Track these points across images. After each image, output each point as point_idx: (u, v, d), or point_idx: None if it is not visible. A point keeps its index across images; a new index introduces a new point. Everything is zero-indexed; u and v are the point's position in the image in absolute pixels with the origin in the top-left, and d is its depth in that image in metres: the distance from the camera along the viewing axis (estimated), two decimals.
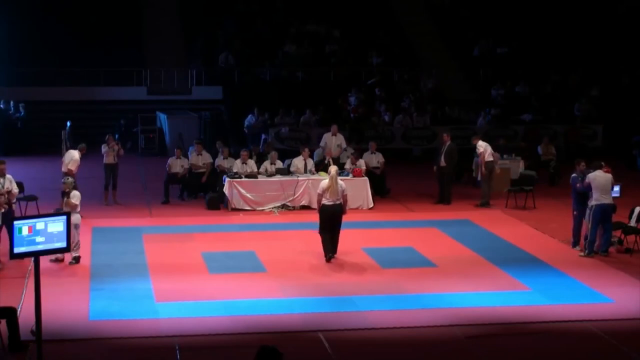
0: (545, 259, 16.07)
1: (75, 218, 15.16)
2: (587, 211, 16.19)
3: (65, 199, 15.42)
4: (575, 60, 33.94)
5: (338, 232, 15.79)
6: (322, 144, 23.08)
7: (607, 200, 16.08)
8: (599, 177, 16.05)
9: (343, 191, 15.70)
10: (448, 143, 21.35)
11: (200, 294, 13.78)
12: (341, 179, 16.26)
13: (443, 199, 21.19)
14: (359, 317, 12.82)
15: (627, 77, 33.49)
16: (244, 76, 32.47)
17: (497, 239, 17.73)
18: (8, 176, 15.98)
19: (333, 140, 22.90)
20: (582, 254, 16.26)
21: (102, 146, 21.24)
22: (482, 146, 21.46)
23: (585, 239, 16.37)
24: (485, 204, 20.98)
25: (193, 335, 12.00)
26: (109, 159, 21.03)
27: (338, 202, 15.62)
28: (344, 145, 23.04)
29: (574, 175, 16.63)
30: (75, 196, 15.48)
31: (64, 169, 19.27)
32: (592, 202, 16.03)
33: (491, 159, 21.51)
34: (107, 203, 20.82)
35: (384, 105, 30.39)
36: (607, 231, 16.27)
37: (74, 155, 19.60)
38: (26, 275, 14.49)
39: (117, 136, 25.97)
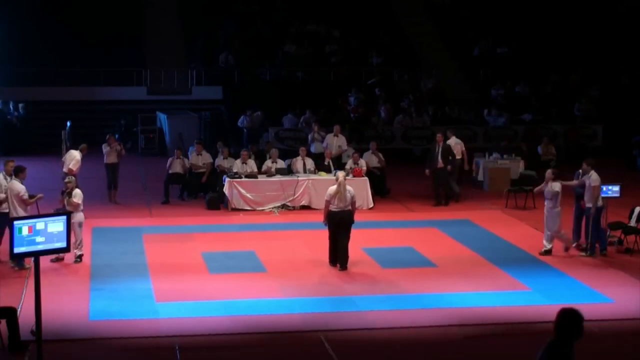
0: (545, 259, 16.07)
1: (79, 217, 15.34)
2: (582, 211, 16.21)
3: (67, 198, 15.47)
4: (575, 60, 33.95)
5: (346, 240, 15.30)
6: (324, 144, 23.13)
7: (603, 201, 16.14)
8: (598, 178, 16.06)
9: (352, 197, 15.29)
10: (441, 143, 21.25)
11: (200, 294, 13.78)
12: (349, 185, 15.75)
13: (440, 201, 21.03)
14: (359, 317, 12.82)
15: (627, 77, 33.50)
16: (244, 76, 32.49)
17: (497, 239, 17.74)
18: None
19: (334, 141, 22.91)
20: (582, 254, 16.26)
21: (103, 146, 21.33)
22: (452, 143, 21.78)
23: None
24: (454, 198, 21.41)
25: (193, 335, 12.00)
26: (110, 158, 21.14)
27: (347, 208, 15.24)
28: (345, 147, 23.03)
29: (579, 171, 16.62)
30: (77, 195, 15.55)
31: (65, 169, 19.32)
32: (596, 204, 15.99)
33: (460, 156, 21.67)
34: (111, 201, 21.07)
35: (383, 105, 30.38)
36: (602, 230, 16.30)
37: (75, 155, 19.66)
38: (26, 275, 14.50)
39: (117, 136, 25.98)
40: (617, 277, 15.00)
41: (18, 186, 15.12)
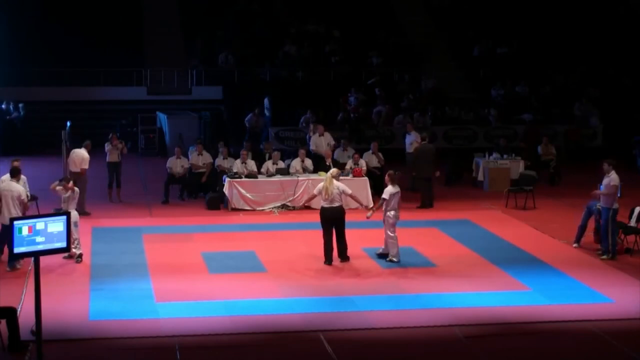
0: (545, 259, 16.07)
1: (74, 215, 15.39)
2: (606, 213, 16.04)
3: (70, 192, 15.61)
4: (575, 60, 33.94)
5: (342, 235, 15.60)
6: (312, 147, 23.03)
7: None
8: (617, 178, 15.98)
9: (341, 193, 15.46)
10: (422, 143, 21.16)
11: (200, 294, 13.79)
12: (341, 179, 16.11)
13: (424, 203, 20.90)
14: (359, 317, 12.82)
15: (627, 77, 33.47)
16: (244, 76, 32.48)
17: (497, 239, 17.73)
18: (23, 177, 16.07)
19: (322, 140, 22.91)
20: (604, 257, 16.08)
21: (106, 145, 21.42)
22: (414, 138, 22.47)
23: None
24: (414, 189, 21.68)
25: (193, 335, 12.01)
26: (112, 157, 21.21)
27: (336, 204, 15.45)
28: (332, 141, 22.99)
29: None
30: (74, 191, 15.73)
31: (72, 168, 19.41)
32: (615, 206, 15.93)
33: (410, 150, 22.50)
34: (111, 200, 21.07)
35: (383, 106, 30.40)
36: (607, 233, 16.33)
37: (83, 154, 19.67)
38: (26, 275, 14.50)
39: (118, 135, 25.98)
40: (617, 277, 15.00)
41: (19, 187, 15.12)
